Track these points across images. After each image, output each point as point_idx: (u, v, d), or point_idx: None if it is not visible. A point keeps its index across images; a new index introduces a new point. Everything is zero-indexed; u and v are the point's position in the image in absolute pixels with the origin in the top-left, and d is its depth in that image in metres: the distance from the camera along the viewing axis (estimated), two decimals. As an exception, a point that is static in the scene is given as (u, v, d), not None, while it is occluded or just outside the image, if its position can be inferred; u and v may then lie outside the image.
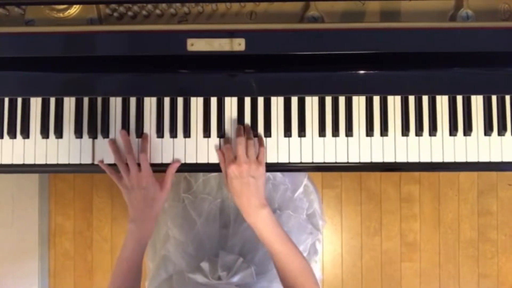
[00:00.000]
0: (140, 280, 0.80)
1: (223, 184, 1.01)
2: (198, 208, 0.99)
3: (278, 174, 1.04)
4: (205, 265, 0.89)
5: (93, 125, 0.84)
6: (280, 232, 0.77)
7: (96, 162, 0.84)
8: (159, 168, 0.84)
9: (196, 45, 0.76)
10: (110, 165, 0.83)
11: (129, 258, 0.78)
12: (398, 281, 1.82)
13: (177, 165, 0.83)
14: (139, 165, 0.81)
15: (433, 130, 0.84)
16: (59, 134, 0.85)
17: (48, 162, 0.84)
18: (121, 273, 0.78)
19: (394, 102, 0.84)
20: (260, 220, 0.77)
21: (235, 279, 0.87)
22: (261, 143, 0.82)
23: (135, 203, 0.79)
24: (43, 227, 1.81)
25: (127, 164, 0.81)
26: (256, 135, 0.84)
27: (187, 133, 0.84)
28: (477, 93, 0.83)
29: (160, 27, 0.78)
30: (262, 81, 0.81)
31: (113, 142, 0.83)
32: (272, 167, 0.84)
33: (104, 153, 0.84)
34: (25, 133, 0.84)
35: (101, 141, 0.84)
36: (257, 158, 0.80)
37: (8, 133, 0.85)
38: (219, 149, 0.84)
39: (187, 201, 1.01)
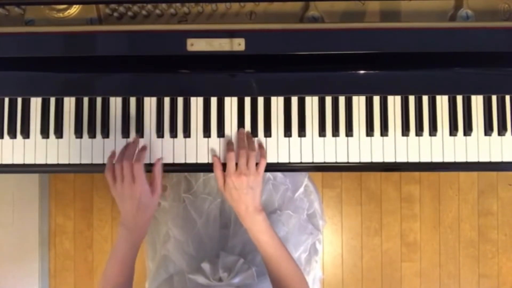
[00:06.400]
0: (132, 283, 0.79)
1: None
2: (199, 208, 0.99)
3: (279, 174, 1.04)
4: (205, 266, 0.89)
5: (93, 125, 0.84)
6: (274, 237, 0.78)
7: (95, 162, 0.84)
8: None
9: (196, 45, 0.76)
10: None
11: (121, 261, 0.77)
12: (398, 281, 1.82)
13: (160, 162, 0.81)
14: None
15: (433, 130, 0.83)
16: (59, 134, 0.85)
17: (48, 162, 0.84)
18: (112, 275, 0.76)
19: (394, 102, 0.84)
20: (256, 225, 0.78)
21: (236, 280, 0.87)
22: (262, 154, 0.82)
23: (128, 210, 0.77)
24: (43, 227, 1.81)
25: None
26: (256, 135, 0.84)
27: (187, 133, 0.84)
28: (477, 93, 0.83)
29: (160, 27, 0.78)
30: (262, 81, 0.81)
31: (126, 146, 0.82)
32: (272, 167, 0.84)
33: (104, 153, 0.84)
34: (25, 133, 0.84)
35: (101, 141, 0.84)
36: (257, 167, 0.80)
37: (8, 133, 0.85)
38: (214, 155, 0.83)
39: (187, 201, 1.01)
